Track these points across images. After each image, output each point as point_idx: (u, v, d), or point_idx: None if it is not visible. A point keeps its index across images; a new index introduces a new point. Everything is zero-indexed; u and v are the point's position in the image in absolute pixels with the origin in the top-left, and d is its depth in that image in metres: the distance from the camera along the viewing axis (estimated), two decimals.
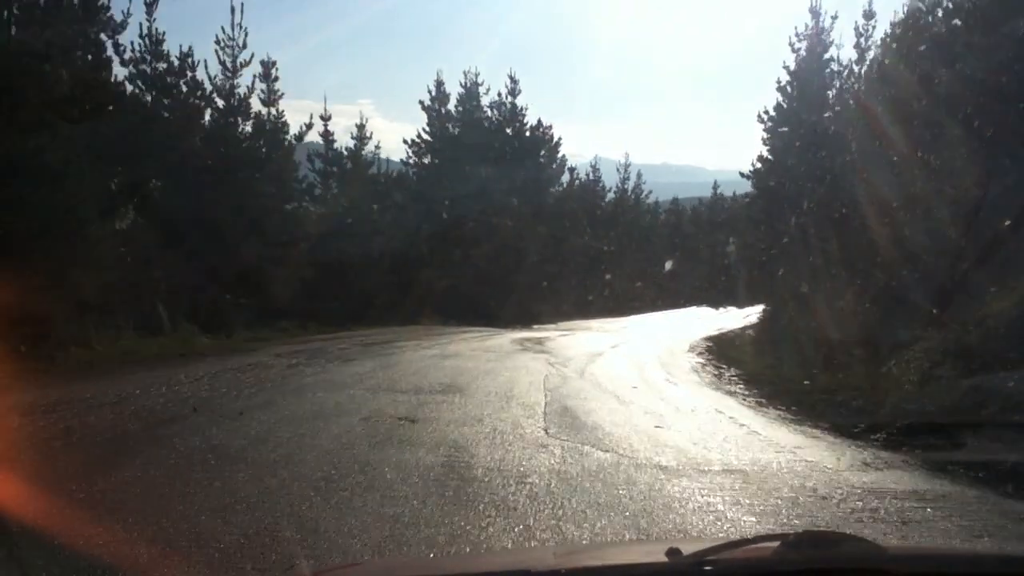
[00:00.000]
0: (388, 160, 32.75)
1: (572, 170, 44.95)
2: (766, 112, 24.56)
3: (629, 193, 53.68)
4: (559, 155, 40.54)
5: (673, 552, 1.68)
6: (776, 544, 1.72)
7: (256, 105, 23.14)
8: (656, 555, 1.72)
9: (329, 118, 27.88)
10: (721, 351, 17.08)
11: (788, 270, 16.21)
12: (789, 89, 23.34)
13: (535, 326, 27.13)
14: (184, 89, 20.85)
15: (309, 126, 25.79)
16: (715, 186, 63.95)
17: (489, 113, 36.74)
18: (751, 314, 36.64)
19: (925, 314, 11.01)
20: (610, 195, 51.34)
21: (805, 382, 10.79)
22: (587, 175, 49.58)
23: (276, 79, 24.11)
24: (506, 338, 18.85)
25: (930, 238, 11.79)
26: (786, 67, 23.34)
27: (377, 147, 30.33)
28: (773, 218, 21.09)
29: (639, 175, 55.00)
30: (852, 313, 12.61)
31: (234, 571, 3.64)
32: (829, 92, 21.89)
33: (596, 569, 1.82)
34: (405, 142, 35.05)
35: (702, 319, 35.84)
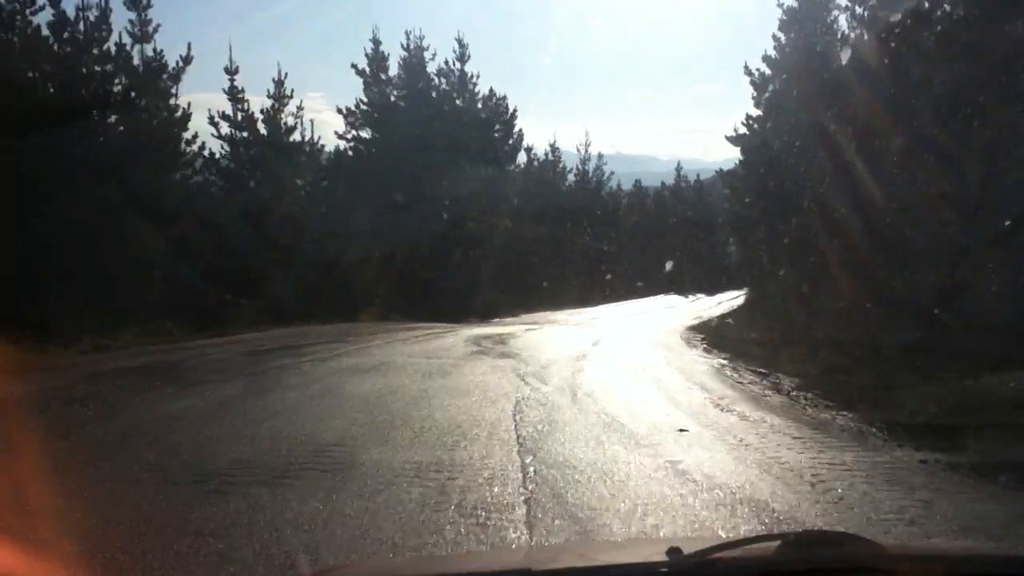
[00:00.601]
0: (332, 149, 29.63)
1: (529, 150, 40.64)
2: (756, 70, 22.33)
3: (590, 176, 49.38)
4: (515, 129, 34.94)
5: (673, 551, 1.67)
6: (776, 543, 1.71)
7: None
8: (656, 554, 1.72)
9: (236, 71, 23.66)
10: (732, 348, 13.74)
11: (789, 265, 16.20)
12: (783, 39, 20.76)
13: (494, 320, 24.21)
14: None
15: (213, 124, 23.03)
16: (678, 167, 62.11)
17: (436, 81, 31.85)
18: (722, 301, 36.35)
19: (925, 314, 11.02)
20: (570, 177, 47.53)
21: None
22: (546, 155, 44.57)
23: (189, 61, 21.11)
24: (460, 336, 15.77)
25: (930, 238, 11.79)
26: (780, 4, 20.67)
27: (318, 139, 27.02)
28: (768, 208, 20.27)
29: (599, 157, 50.53)
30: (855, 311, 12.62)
31: (236, 566, 3.63)
32: (838, 21, 18.43)
33: (596, 568, 1.81)
34: (340, 111, 29.85)
35: (676, 308, 34.13)
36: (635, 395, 8.89)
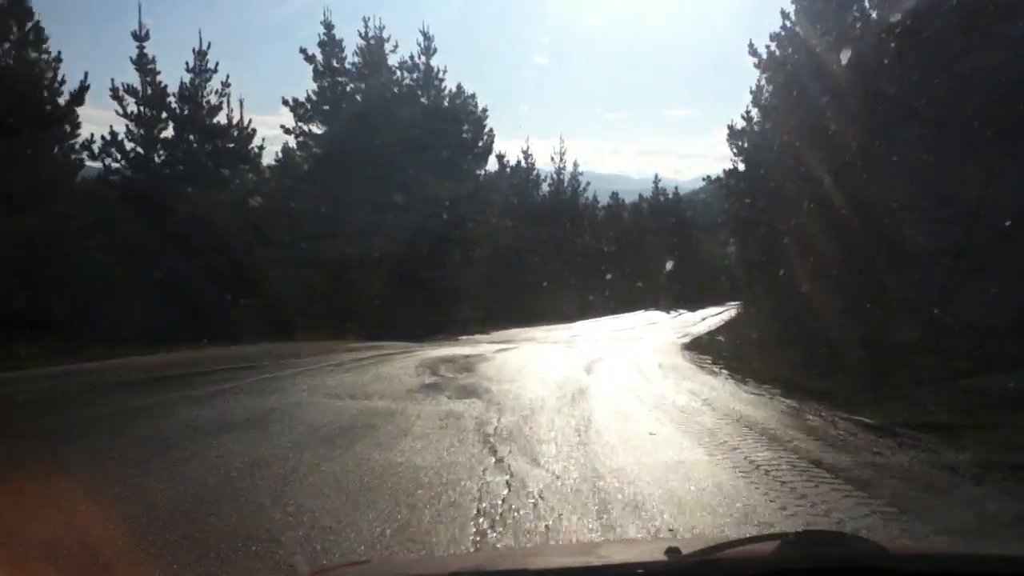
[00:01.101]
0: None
1: (501, 157, 37.49)
2: (758, 55, 18.68)
3: (566, 185, 46.17)
4: (485, 129, 31.20)
5: (672, 551, 1.67)
6: (776, 543, 1.71)
7: None
8: (656, 554, 1.72)
9: (146, 36, 20.42)
10: (764, 374, 11.48)
11: (788, 269, 16.18)
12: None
13: (461, 337, 21.65)
14: None
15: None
16: (656, 179, 59.76)
17: (399, 76, 28.26)
18: (707, 316, 35.20)
19: (925, 314, 11.01)
20: (544, 187, 44.46)
21: None
22: (518, 162, 41.01)
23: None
24: (414, 360, 13.03)
25: (930, 238, 11.79)
26: None
27: (249, 123, 22.89)
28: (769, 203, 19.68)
29: (575, 165, 47.26)
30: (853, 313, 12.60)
31: (238, 569, 3.62)
32: None
33: (596, 568, 1.81)
34: (286, 103, 25.83)
35: (660, 324, 32.31)
36: (716, 486, 4.95)
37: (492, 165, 35.89)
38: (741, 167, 24.12)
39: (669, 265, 47.97)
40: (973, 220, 11.01)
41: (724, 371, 12.62)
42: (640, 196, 60.20)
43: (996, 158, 10.77)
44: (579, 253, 44.03)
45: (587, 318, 35.09)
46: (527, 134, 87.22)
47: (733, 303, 46.58)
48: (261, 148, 23.41)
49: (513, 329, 26.13)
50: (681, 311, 42.70)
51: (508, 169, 38.77)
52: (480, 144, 31.48)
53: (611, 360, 14.60)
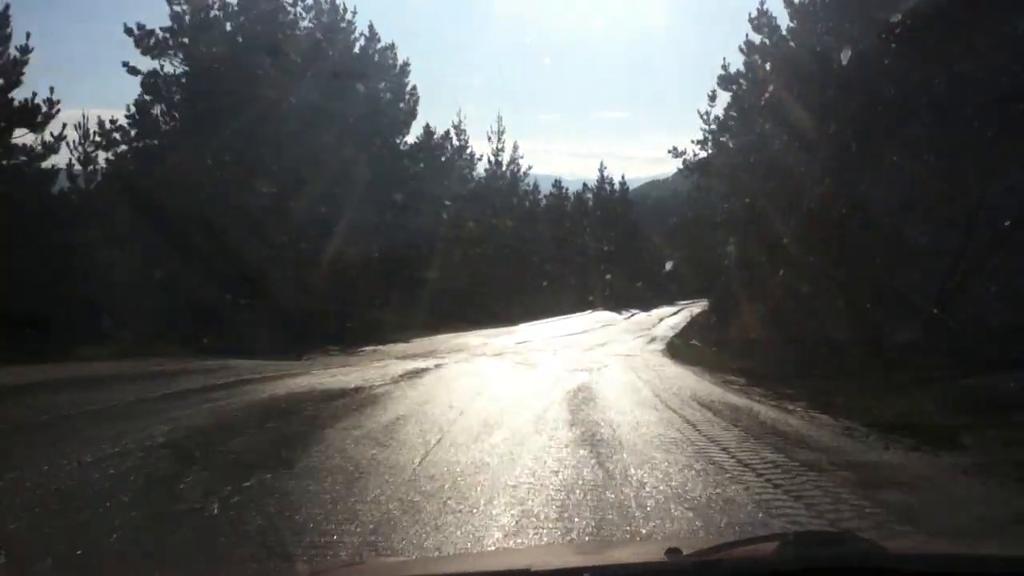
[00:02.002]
0: None
1: (431, 132, 30.66)
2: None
3: (504, 169, 39.76)
4: (407, 87, 25.09)
5: (673, 551, 1.67)
6: (776, 544, 1.71)
7: None
8: (656, 554, 1.72)
9: None
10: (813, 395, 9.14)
11: (787, 268, 16.15)
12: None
13: (374, 347, 17.21)
14: None
15: None
16: (601, 166, 55.96)
17: (293, 14, 21.50)
18: (664, 316, 33.95)
19: (925, 314, 11.02)
20: (480, 168, 38.47)
21: None
22: (447, 134, 33.37)
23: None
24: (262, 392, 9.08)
25: (930, 238, 11.80)
26: None
27: None
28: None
29: (515, 147, 40.82)
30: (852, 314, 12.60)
31: (235, 568, 3.62)
32: None
33: (596, 568, 1.81)
34: (129, 32, 19.50)
35: (618, 327, 29.35)
36: None
37: (431, 150, 30.07)
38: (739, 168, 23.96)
39: (669, 265, 44.05)
40: (973, 220, 11.02)
41: (761, 394, 9.81)
42: (584, 185, 55.87)
43: (996, 158, 10.78)
44: (521, 247, 38.63)
45: (531, 320, 30.81)
46: (459, 105, 73.49)
47: (684, 302, 44.09)
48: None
49: (442, 335, 21.49)
50: (633, 311, 39.53)
51: (435, 139, 31.48)
52: (402, 107, 25.26)
53: (602, 390, 10.14)
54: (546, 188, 50.60)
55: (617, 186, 56.36)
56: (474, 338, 21.12)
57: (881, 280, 12.48)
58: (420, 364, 13.41)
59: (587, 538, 4.05)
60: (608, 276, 45.81)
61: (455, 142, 34.70)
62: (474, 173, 37.75)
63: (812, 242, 14.44)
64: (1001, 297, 10.65)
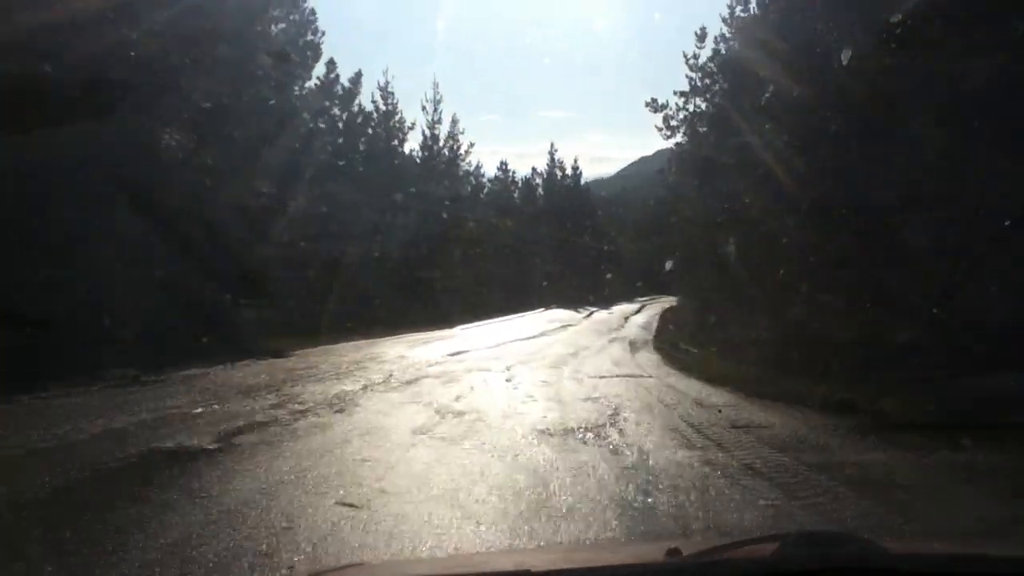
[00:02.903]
0: None
1: (351, 94, 25.47)
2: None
3: (442, 144, 33.56)
4: (311, 25, 19.54)
5: (673, 552, 1.67)
6: (776, 544, 1.71)
7: None
8: (656, 555, 1.72)
9: None
10: None
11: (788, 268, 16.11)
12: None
13: (254, 361, 12.94)
14: None
15: None
16: (552, 149, 50.80)
17: None
18: (629, 315, 31.26)
19: (925, 314, 11.01)
20: (413, 142, 32.93)
21: None
22: (373, 102, 28.39)
23: None
24: None
25: (931, 238, 11.78)
26: None
27: None
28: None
29: (454, 121, 35.35)
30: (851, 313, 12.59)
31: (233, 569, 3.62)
32: None
33: (596, 569, 1.81)
34: None
35: (580, 329, 24.47)
36: None
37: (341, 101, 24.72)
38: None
39: (669, 265, 38.45)
40: (973, 220, 11.01)
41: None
42: (533, 170, 50.48)
43: (996, 157, 10.77)
44: (463, 236, 33.50)
45: (476, 320, 26.57)
46: (386, 65, 66.18)
47: (643, 299, 42.70)
48: None
49: (354, 341, 17.09)
50: (592, 309, 35.91)
51: (341, 89, 24.52)
52: (301, 44, 18.99)
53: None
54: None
55: (569, 171, 50.86)
56: (393, 347, 16.01)
57: (881, 280, 12.48)
58: (324, 402, 8.69)
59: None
60: (562, 272, 41.87)
61: (382, 106, 28.64)
62: (405, 147, 31.89)
63: (812, 242, 14.44)
64: (1002, 297, 10.63)
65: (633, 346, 18.76)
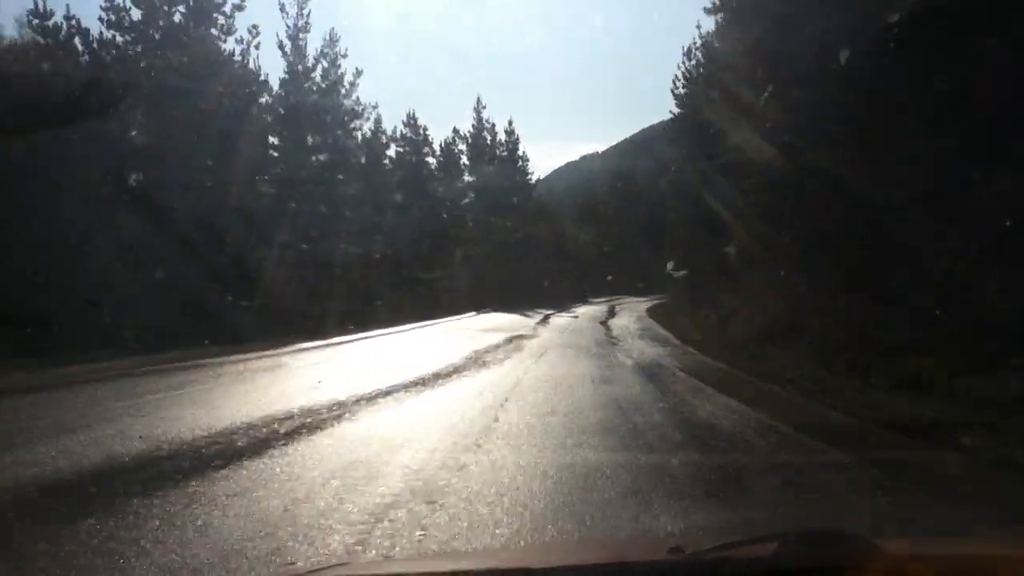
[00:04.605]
0: None
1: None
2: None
3: (311, 62, 23.93)
4: None
5: (675, 550, 1.68)
6: (777, 543, 1.72)
7: None
8: (658, 553, 1.72)
9: None
10: None
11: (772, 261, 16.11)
12: None
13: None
14: None
15: None
16: (478, 104, 41.29)
17: None
18: (597, 315, 24.88)
19: (926, 314, 11.01)
20: (278, 68, 25.17)
21: None
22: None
23: None
24: None
25: (931, 237, 11.78)
26: None
27: None
28: None
29: (333, 39, 25.75)
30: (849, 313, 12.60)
31: (230, 568, 3.59)
32: None
33: (597, 567, 1.81)
34: None
35: (539, 341, 17.33)
36: None
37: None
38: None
39: (670, 266, 31.82)
40: (973, 220, 11.01)
41: None
42: (455, 132, 39.03)
43: (996, 158, 10.77)
44: (356, 215, 25.02)
45: (383, 326, 20.14)
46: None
47: (600, 300, 37.27)
48: None
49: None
50: (545, 312, 27.93)
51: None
52: None
53: None
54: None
55: (503, 136, 36.62)
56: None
57: (882, 280, 12.49)
58: None
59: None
60: (498, 263, 33.63)
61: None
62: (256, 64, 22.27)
63: (812, 241, 14.45)
64: (1003, 297, 10.64)
65: (653, 376, 11.12)
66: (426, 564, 2.81)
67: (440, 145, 37.21)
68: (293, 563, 3.68)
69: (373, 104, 32.32)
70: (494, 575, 1.90)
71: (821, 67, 13.56)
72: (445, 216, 34.35)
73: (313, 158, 24.47)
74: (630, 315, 28.05)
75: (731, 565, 1.66)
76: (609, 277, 45.74)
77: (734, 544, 1.76)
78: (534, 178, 44.12)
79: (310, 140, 24.56)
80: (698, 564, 1.65)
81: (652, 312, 27.87)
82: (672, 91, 21.35)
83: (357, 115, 26.99)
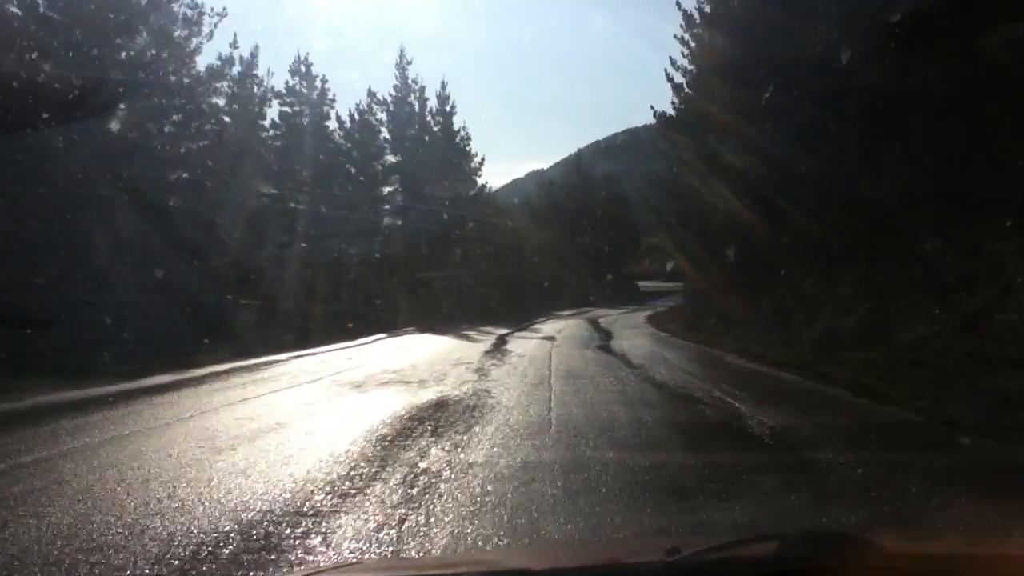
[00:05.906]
0: None
1: None
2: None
3: (195, 18, 17.36)
4: None
5: (673, 551, 1.67)
6: (776, 543, 1.71)
7: None
8: (656, 553, 1.72)
9: None
10: None
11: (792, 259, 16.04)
12: None
13: None
14: None
15: None
16: (400, 62, 32.51)
17: None
18: (616, 335, 18.53)
19: (928, 314, 11.01)
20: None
21: None
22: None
23: None
24: None
25: (931, 237, 11.79)
26: None
27: None
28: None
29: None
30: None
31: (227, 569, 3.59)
32: None
33: (596, 567, 1.81)
34: None
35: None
36: None
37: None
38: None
39: (670, 266, 29.52)
40: (974, 219, 11.01)
41: None
42: (371, 94, 33.06)
43: (998, 156, 10.76)
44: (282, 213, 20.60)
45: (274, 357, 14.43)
46: None
47: (567, 312, 31.21)
48: None
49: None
50: (501, 331, 20.47)
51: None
52: None
53: None
54: None
55: (434, 101, 28.85)
56: None
57: (883, 280, 12.48)
58: None
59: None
60: (431, 267, 27.17)
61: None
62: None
63: (814, 241, 14.44)
64: (1001, 295, 10.62)
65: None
66: (427, 565, 2.81)
67: (350, 112, 29.10)
68: (301, 564, 3.67)
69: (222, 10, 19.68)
70: None
71: (823, 64, 13.56)
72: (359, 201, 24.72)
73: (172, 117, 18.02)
74: (628, 333, 19.27)
75: (730, 566, 1.66)
76: (545, 284, 39.71)
77: (732, 544, 1.76)
78: (481, 170, 35.71)
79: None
80: (697, 565, 1.64)
81: (696, 337, 18.19)
82: (670, 79, 21.33)
83: (223, 65, 19.28)
